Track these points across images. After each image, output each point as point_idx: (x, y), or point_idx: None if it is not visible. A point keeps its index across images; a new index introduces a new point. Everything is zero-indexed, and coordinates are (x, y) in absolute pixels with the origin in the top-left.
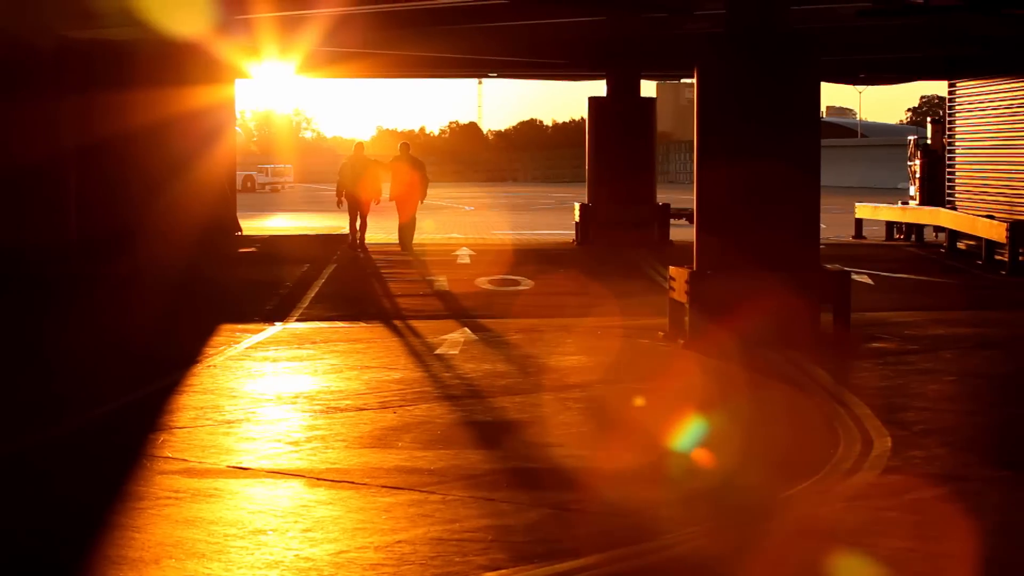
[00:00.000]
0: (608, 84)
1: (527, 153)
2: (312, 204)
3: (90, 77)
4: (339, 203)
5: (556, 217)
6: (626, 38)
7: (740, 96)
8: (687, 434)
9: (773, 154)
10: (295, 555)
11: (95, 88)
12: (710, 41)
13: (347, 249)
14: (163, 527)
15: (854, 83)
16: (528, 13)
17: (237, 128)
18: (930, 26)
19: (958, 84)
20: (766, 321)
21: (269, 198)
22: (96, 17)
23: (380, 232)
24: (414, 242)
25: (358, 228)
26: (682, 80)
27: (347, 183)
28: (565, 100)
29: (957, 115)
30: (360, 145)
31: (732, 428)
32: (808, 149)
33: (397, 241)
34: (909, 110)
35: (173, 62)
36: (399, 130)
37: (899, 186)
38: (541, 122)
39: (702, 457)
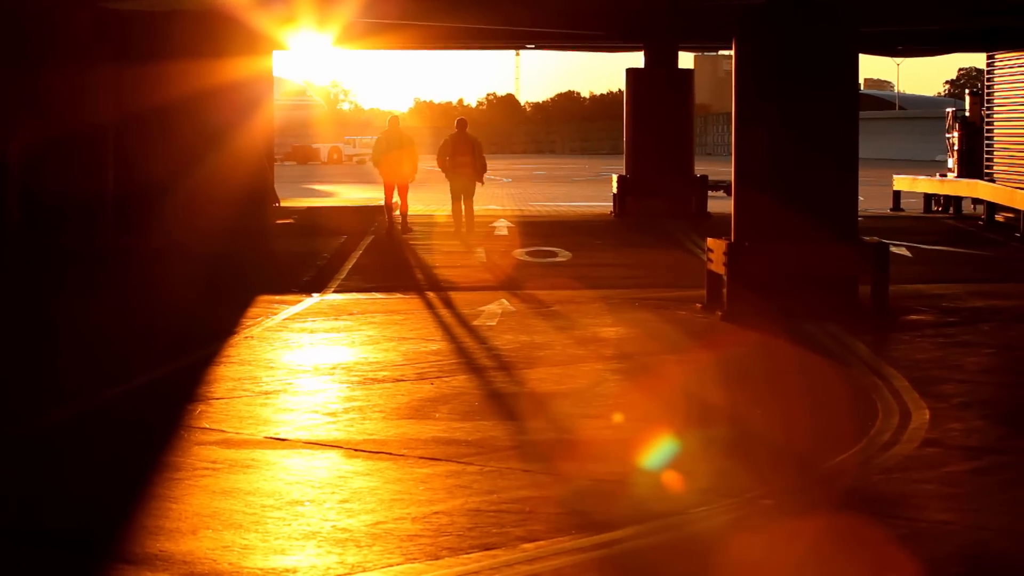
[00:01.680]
0: (646, 55)
1: (565, 125)
2: (353, 176)
3: (127, 48)
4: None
5: (594, 189)
6: (663, 9)
7: (778, 67)
8: (726, 408)
9: (811, 126)
10: (332, 526)
11: (132, 59)
12: (748, 12)
13: (384, 231)
14: (200, 498)
15: (892, 55)
16: None
17: (319, 100)
18: None
19: (996, 56)
20: (804, 293)
21: (309, 170)
22: None
23: (418, 204)
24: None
25: (397, 208)
26: (720, 52)
27: (381, 160)
28: (603, 72)
29: (996, 87)
30: (395, 119)
31: (770, 400)
32: (846, 120)
33: (436, 213)
34: (947, 82)
35: (210, 33)
36: (435, 102)
37: (937, 158)
38: (579, 94)
39: (735, 430)
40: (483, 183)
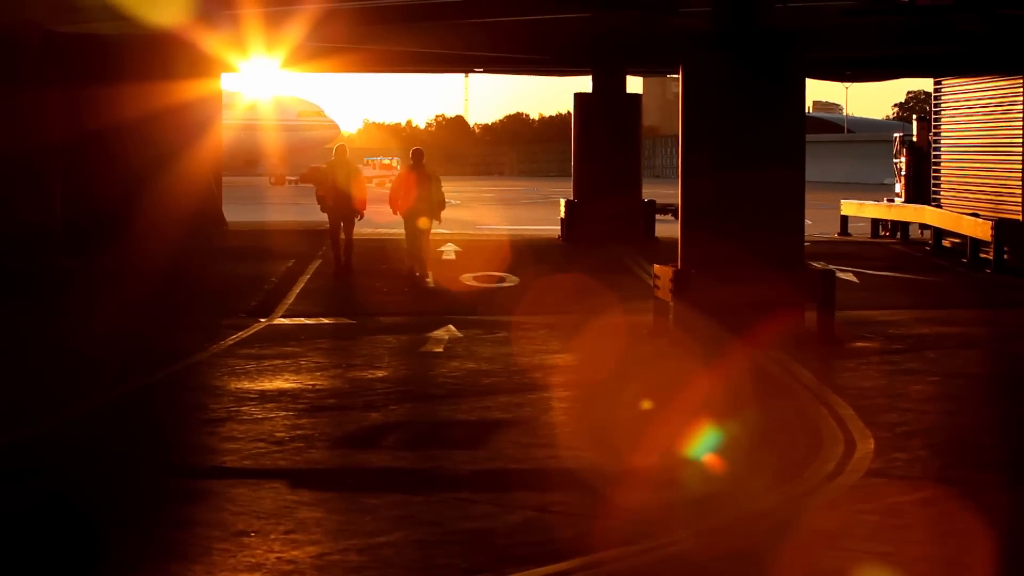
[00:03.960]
0: (594, 80)
1: (513, 147)
2: (304, 197)
3: (75, 71)
4: (324, 210)
5: (542, 212)
6: (611, 35)
7: (724, 94)
8: (673, 437)
9: (757, 151)
10: (277, 557)
11: (80, 82)
12: (693, 39)
13: (332, 275)
14: (144, 528)
15: (840, 79)
16: (514, 9)
17: (335, 122)
18: (916, 24)
19: (944, 82)
20: (750, 320)
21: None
22: (81, 11)
23: (366, 227)
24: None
25: (343, 248)
26: (669, 75)
27: (327, 192)
28: (552, 93)
29: (943, 113)
30: (342, 147)
31: (714, 429)
32: (793, 146)
33: (384, 234)
34: (896, 105)
35: (159, 56)
36: (386, 123)
37: (885, 181)
38: (527, 116)
39: (683, 460)
40: (440, 221)
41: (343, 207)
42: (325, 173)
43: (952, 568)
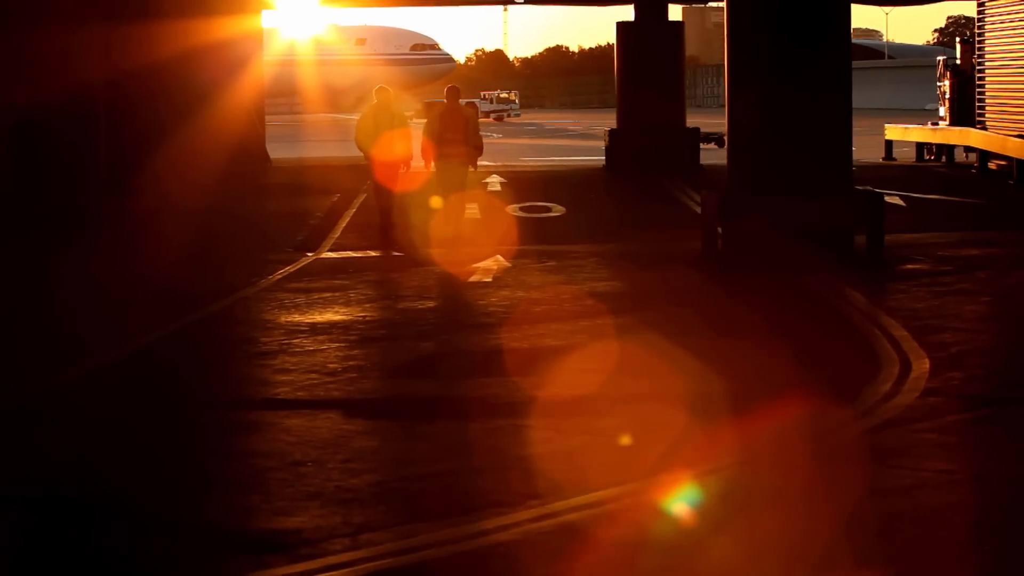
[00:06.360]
0: (636, 9)
1: (554, 79)
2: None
3: (117, 7)
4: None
5: (585, 143)
6: None
7: (769, 17)
8: (727, 362)
9: (804, 75)
10: (336, 486)
11: (122, 19)
12: None
13: (378, 233)
14: (201, 460)
15: (881, 4)
16: None
17: (449, 55)
18: None
19: (987, 3)
20: (799, 244)
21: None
22: None
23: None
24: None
25: (387, 205)
26: (709, 3)
27: (366, 142)
28: (592, 25)
29: (987, 34)
30: (384, 89)
31: (769, 354)
32: (838, 69)
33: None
34: (936, 31)
35: None
36: None
37: (927, 107)
38: (568, 48)
39: (737, 383)
40: (475, 168)
41: (383, 157)
42: (363, 120)
43: (1013, 485)
